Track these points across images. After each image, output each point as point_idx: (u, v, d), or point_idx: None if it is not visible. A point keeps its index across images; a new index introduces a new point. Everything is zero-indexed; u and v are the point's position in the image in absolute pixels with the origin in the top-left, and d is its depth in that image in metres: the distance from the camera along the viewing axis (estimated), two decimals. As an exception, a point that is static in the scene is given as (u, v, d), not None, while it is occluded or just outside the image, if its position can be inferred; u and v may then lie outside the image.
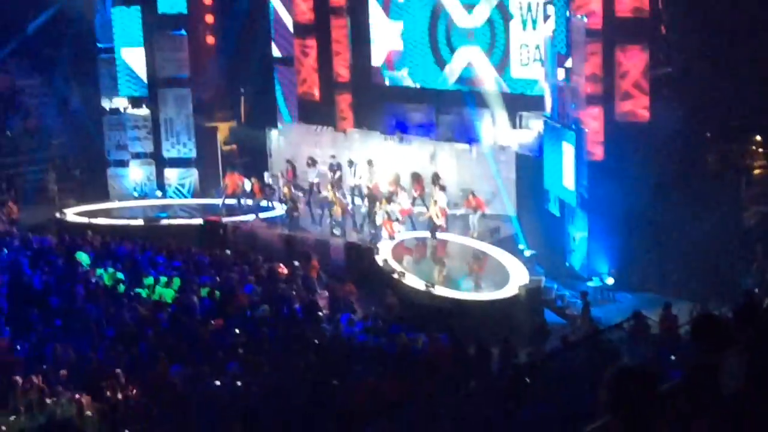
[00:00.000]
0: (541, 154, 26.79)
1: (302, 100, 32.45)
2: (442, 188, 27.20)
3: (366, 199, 28.07)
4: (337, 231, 27.91)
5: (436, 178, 27.71)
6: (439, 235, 26.83)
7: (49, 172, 34.13)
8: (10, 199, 32.27)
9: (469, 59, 29.29)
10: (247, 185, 30.49)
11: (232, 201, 30.70)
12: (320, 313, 22.07)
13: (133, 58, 33.11)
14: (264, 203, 30.24)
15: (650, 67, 24.38)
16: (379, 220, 27.03)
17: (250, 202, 30.50)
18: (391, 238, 26.76)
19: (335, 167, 29.65)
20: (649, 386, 4.78)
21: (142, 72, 33.19)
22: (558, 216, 26.18)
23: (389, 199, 27.12)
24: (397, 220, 26.91)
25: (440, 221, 26.63)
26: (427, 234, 27.00)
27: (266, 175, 31.26)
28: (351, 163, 29.69)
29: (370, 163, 29.34)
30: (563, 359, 16.36)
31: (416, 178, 28.39)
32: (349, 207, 28.31)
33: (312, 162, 30.31)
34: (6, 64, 37.29)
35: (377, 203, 27.26)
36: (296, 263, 25.72)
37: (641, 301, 22.98)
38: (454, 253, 26.98)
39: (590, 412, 5.88)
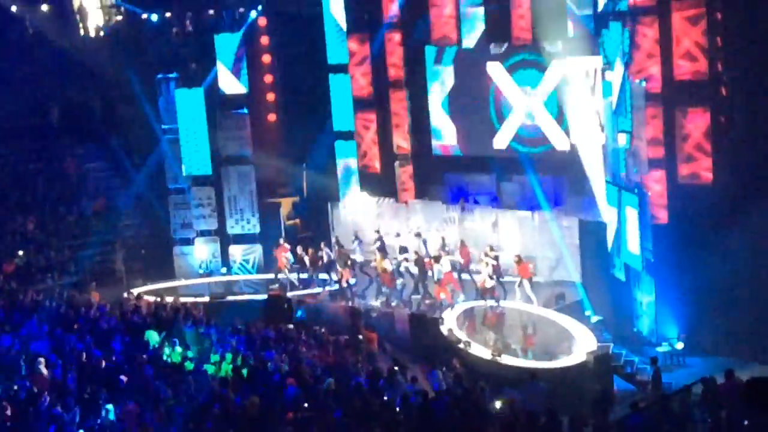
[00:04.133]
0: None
1: (363, 172, 32.68)
2: (492, 256, 27.06)
3: (416, 266, 27.96)
4: (380, 300, 28.02)
5: (490, 249, 27.50)
6: (494, 302, 26.75)
7: (117, 253, 34.61)
8: (91, 284, 32.57)
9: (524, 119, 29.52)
10: (289, 257, 30.42)
11: (291, 275, 30.77)
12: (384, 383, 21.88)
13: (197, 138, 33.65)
14: (325, 276, 30.19)
15: (713, 131, 24.14)
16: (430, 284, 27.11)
17: (302, 275, 30.54)
18: (445, 304, 26.68)
19: (379, 239, 29.77)
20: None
21: (205, 151, 33.69)
22: (624, 281, 25.89)
23: (437, 259, 27.04)
24: (441, 282, 26.86)
25: (489, 284, 26.53)
26: (484, 302, 26.88)
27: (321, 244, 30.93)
28: (419, 234, 29.74)
29: (418, 234, 29.42)
30: (631, 426, 16.05)
31: (462, 244, 28.33)
32: (399, 281, 28.24)
33: (358, 238, 30.42)
34: (73, 147, 38.09)
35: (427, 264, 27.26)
36: (360, 336, 25.71)
37: (713, 366, 22.44)
38: (512, 321, 26.78)
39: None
